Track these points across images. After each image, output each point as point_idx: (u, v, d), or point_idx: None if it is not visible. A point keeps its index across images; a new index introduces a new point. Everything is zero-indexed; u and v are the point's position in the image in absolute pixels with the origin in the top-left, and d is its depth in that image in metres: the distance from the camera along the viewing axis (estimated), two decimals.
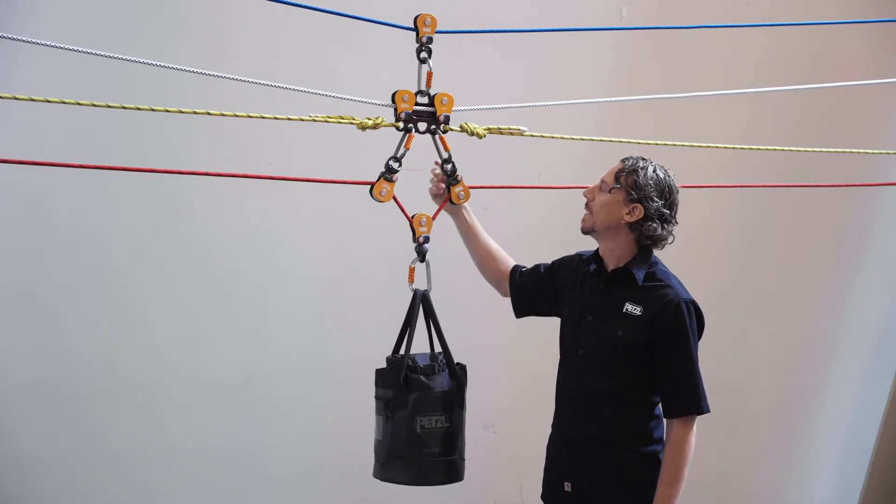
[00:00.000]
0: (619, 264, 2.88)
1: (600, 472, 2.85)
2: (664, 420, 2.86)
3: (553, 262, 3.09)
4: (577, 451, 2.88)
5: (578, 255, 3.04)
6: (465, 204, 3.06)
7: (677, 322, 2.79)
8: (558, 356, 3.01)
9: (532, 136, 3.08)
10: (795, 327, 5.09)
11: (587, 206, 2.91)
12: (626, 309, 2.83)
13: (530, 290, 3.09)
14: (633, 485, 2.84)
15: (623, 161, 2.89)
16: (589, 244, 3.00)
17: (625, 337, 2.81)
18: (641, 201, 2.82)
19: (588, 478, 2.86)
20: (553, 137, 3.21)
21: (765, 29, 4.60)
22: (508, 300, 3.16)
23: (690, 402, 2.79)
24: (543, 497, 3.01)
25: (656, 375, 2.82)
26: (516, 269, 3.13)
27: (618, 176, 2.85)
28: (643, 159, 2.87)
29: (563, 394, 2.95)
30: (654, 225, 2.83)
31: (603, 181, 2.89)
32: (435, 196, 3.09)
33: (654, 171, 2.84)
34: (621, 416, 2.84)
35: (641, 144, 3.30)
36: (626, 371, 2.83)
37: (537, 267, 3.11)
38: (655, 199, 2.82)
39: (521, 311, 3.15)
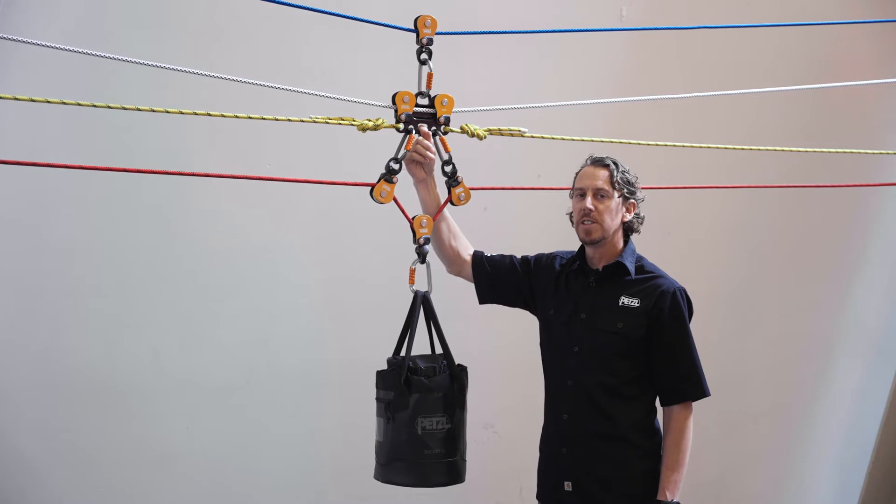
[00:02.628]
0: (610, 261, 2.92)
1: (604, 469, 2.87)
2: (660, 410, 2.91)
3: (527, 258, 3.09)
4: (579, 448, 2.90)
5: (559, 255, 3.06)
6: (433, 176, 2.97)
7: (675, 311, 2.86)
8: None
9: (533, 137, 3.08)
10: (795, 327, 5.09)
11: (590, 216, 2.88)
12: (623, 302, 2.88)
13: (500, 279, 3.07)
14: (638, 479, 2.87)
15: (599, 164, 2.92)
16: (574, 244, 3.01)
17: (625, 329, 2.86)
18: (634, 197, 2.92)
19: (592, 475, 2.88)
20: (553, 138, 3.21)
21: (765, 29, 4.60)
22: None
23: (693, 387, 2.86)
24: (539, 497, 3.02)
25: (657, 364, 2.86)
26: (481, 254, 3.10)
27: (612, 180, 2.89)
28: (611, 157, 2.94)
29: (560, 393, 2.95)
30: (642, 215, 2.97)
31: (598, 189, 2.89)
32: (409, 163, 2.90)
33: (622, 163, 2.95)
34: (623, 411, 2.87)
35: (642, 144, 3.30)
36: (625, 364, 2.87)
37: (508, 257, 3.10)
38: (639, 191, 2.95)
39: (487, 297, 3.12)
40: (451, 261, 3.10)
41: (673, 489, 2.81)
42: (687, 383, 2.86)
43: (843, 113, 4.88)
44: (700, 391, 2.87)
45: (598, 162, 2.92)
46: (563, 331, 2.94)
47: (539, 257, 3.09)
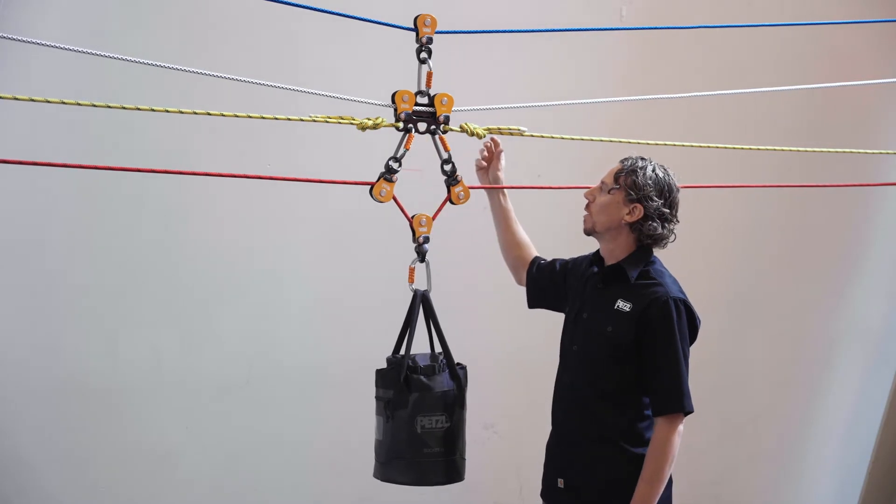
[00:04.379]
0: (614, 262, 2.90)
1: (590, 470, 2.86)
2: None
3: (568, 260, 3.13)
4: (570, 447, 2.90)
5: (590, 257, 3.06)
6: (504, 190, 3.15)
7: (664, 319, 2.80)
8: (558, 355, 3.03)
9: (532, 136, 3.08)
10: (795, 327, 5.09)
11: (587, 207, 2.93)
12: (618, 306, 2.85)
13: (545, 284, 3.13)
14: (623, 484, 2.82)
15: (622, 162, 2.92)
16: (589, 245, 3.01)
17: (613, 333, 2.83)
18: (641, 201, 2.84)
19: (579, 475, 2.88)
20: (553, 138, 3.21)
21: (765, 29, 4.60)
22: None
23: (674, 400, 2.78)
24: (542, 494, 3.02)
25: (643, 373, 2.82)
26: (536, 260, 3.18)
27: (617, 177, 2.88)
28: (642, 159, 2.89)
29: (559, 391, 2.97)
30: (655, 224, 2.85)
31: (603, 182, 2.92)
32: (479, 169, 3.17)
33: (654, 170, 2.87)
34: (612, 415, 2.85)
35: (641, 144, 3.30)
36: (615, 368, 2.84)
37: (555, 261, 3.14)
38: (655, 198, 2.84)
39: (533, 302, 3.19)
40: (515, 270, 3.22)
41: (643, 502, 2.76)
42: (667, 396, 2.78)
43: (843, 113, 4.88)
44: (679, 406, 2.77)
45: (621, 160, 2.92)
46: (569, 329, 2.97)
47: (576, 259, 3.11)
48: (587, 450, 2.87)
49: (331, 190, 3.35)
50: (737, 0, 4.74)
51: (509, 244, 3.22)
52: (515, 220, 3.22)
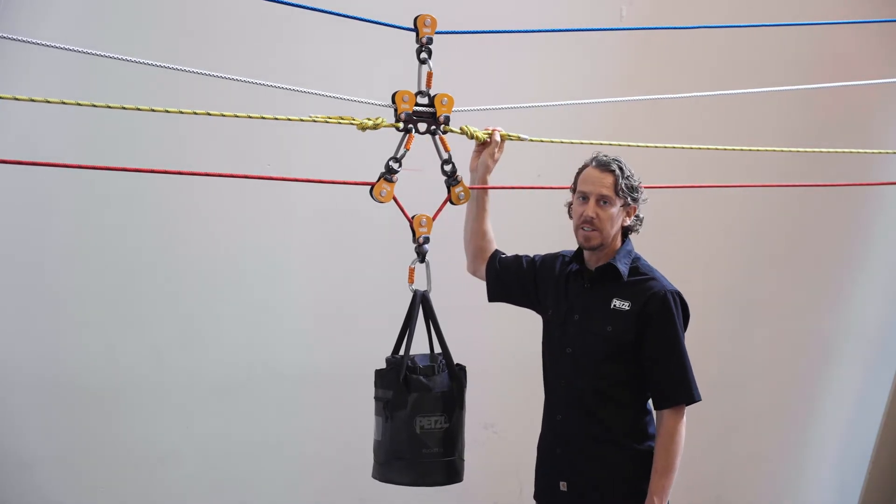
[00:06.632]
0: (602, 262, 2.91)
1: (596, 471, 2.87)
2: (655, 415, 2.88)
3: (535, 258, 3.10)
4: (573, 449, 2.90)
5: (561, 256, 3.05)
6: (488, 180, 3.07)
7: (665, 313, 2.83)
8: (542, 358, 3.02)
9: (532, 140, 3.09)
10: (796, 327, 5.09)
11: (591, 223, 2.86)
12: (614, 305, 2.86)
13: (508, 279, 3.09)
14: (629, 482, 2.85)
15: (605, 169, 2.87)
16: (573, 243, 3.01)
17: (614, 333, 2.84)
18: (636, 201, 2.90)
19: (584, 476, 2.88)
20: (553, 142, 3.22)
21: (765, 29, 4.60)
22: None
23: (682, 391, 2.82)
24: (536, 497, 3.02)
25: (646, 367, 2.84)
26: (497, 254, 3.14)
27: (617, 187, 2.85)
28: (617, 160, 2.89)
29: (555, 393, 2.96)
30: (642, 216, 2.93)
31: (601, 196, 2.86)
32: (474, 150, 3.09)
33: (627, 165, 2.89)
34: (613, 414, 2.86)
35: (641, 147, 3.30)
36: (615, 368, 2.85)
37: (519, 257, 3.12)
38: (641, 194, 2.91)
39: (494, 296, 3.15)
40: (474, 258, 3.16)
41: (661, 494, 2.79)
42: (675, 387, 2.82)
43: (843, 113, 4.88)
44: (688, 396, 2.82)
45: (604, 166, 2.87)
46: (558, 332, 2.95)
47: (545, 258, 3.09)
48: (591, 450, 2.87)
49: (331, 190, 3.35)
50: (737, 0, 4.74)
51: (477, 233, 3.14)
52: (489, 211, 3.14)
